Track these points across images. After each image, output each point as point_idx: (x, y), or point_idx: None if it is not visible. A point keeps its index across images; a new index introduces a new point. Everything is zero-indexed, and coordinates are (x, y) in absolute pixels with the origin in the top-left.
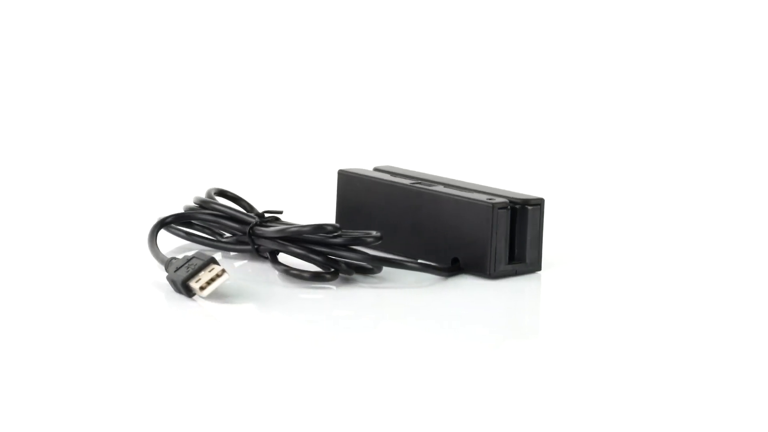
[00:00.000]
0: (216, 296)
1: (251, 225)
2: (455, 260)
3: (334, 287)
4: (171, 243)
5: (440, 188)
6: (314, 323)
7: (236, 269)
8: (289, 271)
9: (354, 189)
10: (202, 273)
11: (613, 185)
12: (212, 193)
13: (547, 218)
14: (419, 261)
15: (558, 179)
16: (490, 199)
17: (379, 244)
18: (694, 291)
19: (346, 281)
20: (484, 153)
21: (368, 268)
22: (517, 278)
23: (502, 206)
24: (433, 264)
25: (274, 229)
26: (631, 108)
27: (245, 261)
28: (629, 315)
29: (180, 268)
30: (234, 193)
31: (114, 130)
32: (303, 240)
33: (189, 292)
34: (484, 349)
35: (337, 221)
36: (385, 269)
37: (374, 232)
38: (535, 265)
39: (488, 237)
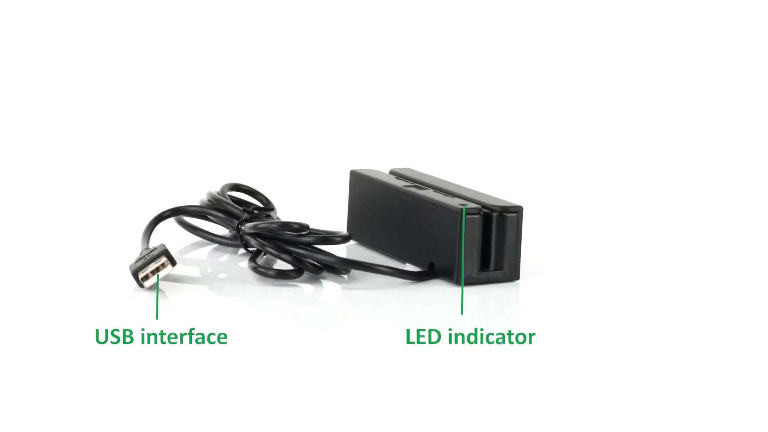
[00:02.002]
0: (184, 292)
1: (240, 220)
2: (432, 265)
3: (303, 285)
4: (180, 237)
5: (428, 192)
6: (273, 320)
7: (222, 263)
8: (256, 269)
9: (362, 189)
10: (150, 264)
11: (606, 194)
12: (226, 188)
13: (542, 226)
14: (390, 266)
15: (561, 185)
16: (461, 204)
17: (351, 243)
18: (676, 300)
19: (315, 280)
20: (511, 157)
21: (336, 269)
22: (488, 286)
23: (473, 212)
24: (403, 269)
25: (249, 225)
26: (619, 115)
27: (245, 255)
28: (602, 329)
29: (139, 259)
30: (249, 187)
31: (139, 132)
32: (277, 238)
33: (138, 283)
34: (419, 354)
35: (348, 220)
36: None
37: (342, 232)
38: (511, 274)
39: (456, 242)
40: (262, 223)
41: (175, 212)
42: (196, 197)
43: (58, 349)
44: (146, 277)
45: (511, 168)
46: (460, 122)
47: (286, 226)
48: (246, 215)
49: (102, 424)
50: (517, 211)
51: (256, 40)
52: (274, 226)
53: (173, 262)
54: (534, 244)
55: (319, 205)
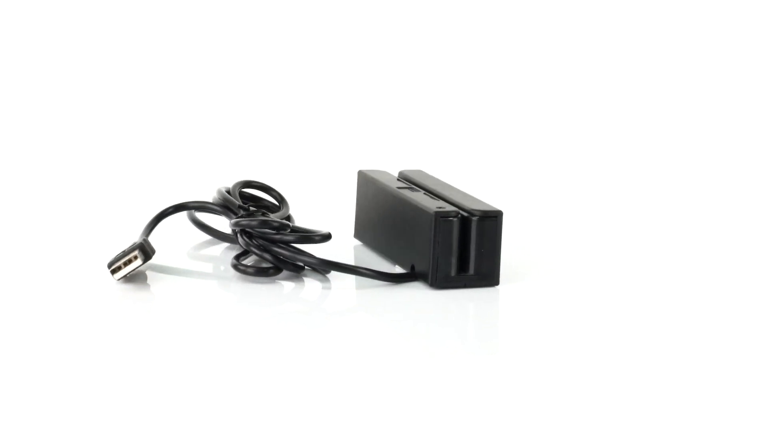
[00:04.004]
0: (169, 289)
1: (237, 217)
2: (413, 267)
3: (283, 283)
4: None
5: (415, 194)
6: (252, 318)
7: (221, 262)
8: (236, 266)
9: (366, 190)
10: (123, 258)
11: (597, 199)
12: (238, 185)
13: (540, 229)
14: (369, 268)
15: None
16: (439, 208)
17: (357, 243)
18: (655, 304)
19: (295, 279)
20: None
21: (316, 269)
22: (466, 291)
23: (446, 215)
24: (381, 271)
25: (232, 221)
26: (621, 117)
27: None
28: (580, 335)
29: (119, 253)
30: (261, 183)
31: (150, 133)
32: (261, 236)
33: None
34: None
35: (355, 220)
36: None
37: (322, 231)
38: (489, 279)
39: (430, 245)
40: (243, 220)
41: (178, 208)
42: (209, 197)
43: (41, 349)
44: (117, 270)
45: (524, 172)
46: (484, 125)
47: (266, 223)
48: (242, 212)
49: (84, 423)
50: (496, 216)
51: (268, 43)
52: (254, 223)
53: (147, 256)
54: (527, 249)
55: (336, 205)
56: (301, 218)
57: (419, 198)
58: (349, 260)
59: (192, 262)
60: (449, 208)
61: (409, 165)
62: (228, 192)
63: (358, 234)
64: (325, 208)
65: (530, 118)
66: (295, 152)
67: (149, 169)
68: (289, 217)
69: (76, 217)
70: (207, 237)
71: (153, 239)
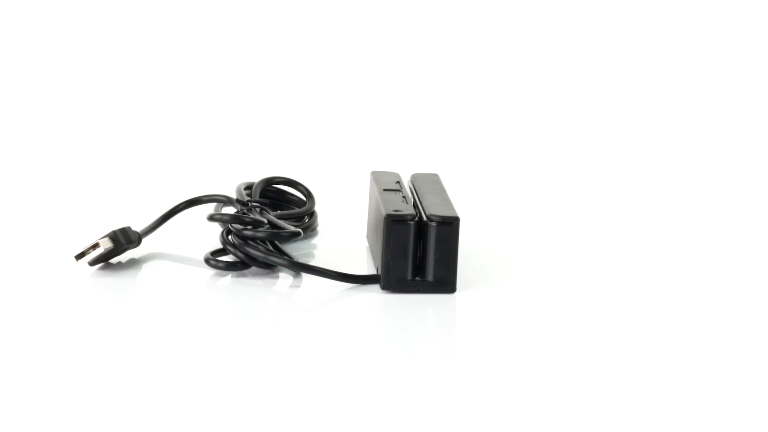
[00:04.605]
0: (143, 279)
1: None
2: (377, 269)
3: (257, 281)
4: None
5: (390, 197)
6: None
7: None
8: (208, 261)
9: (371, 190)
10: (90, 243)
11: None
12: (260, 183)
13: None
14: (335, 270)
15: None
16: (396, 211)
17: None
18: (614, 313)
19: (266, 275)
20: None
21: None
22: (421, 296)
23: (401, 219)
24: (344, 273)
25: (208, 215)
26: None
27: None
28: (531, 344)
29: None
30: (286, 178)
31: (166, 135)
32: (237, 233)
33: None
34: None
35: (367, 220)
36: None
37: (291, 228)
38: (446, 286)
39: (384, 248)
40: (216, 214)
41: (189, 204)
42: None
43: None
44: (82, 255)
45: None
46: (516, 127)
47: (237, 219)
48: (240, 207)
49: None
50: (452, 222)
51: (294, 45)
52: (226, 218)
53: (117, 243)
54: (504, 256)
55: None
56: (327, 218)
57: (391, 200)
58: (348, 260)
59: (189, 257)
60: (407, 211)
61: (443, 167)
62: (248, 188)
63: (367, 234)
64: (350, 208)
65: (563, 123)
66: (328, 151)
67: (176, 169)
68: (312, 213)
69: (96, 213)
70: None
71: (170, 233)
